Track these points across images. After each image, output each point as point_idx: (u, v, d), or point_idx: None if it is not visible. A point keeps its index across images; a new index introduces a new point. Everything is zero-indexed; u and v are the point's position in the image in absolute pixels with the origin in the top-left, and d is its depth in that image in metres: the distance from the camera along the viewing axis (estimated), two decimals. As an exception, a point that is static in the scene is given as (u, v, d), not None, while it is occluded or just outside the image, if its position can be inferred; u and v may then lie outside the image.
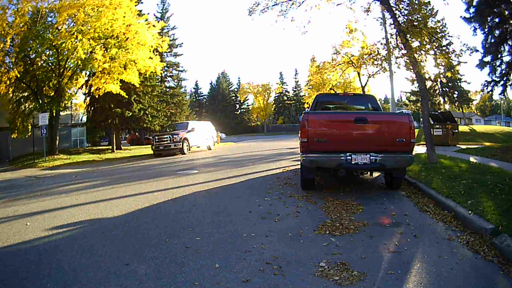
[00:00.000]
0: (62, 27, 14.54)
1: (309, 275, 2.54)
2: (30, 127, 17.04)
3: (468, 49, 8.07)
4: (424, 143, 8.33)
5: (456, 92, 33.54)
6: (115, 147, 20.46)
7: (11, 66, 14.73)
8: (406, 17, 7.93)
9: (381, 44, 11.68)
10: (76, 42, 14.18)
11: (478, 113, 65.80)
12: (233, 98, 63.39)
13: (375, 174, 6.59)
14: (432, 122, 14.16)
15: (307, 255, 2.92)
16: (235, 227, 3.79)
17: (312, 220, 3.94)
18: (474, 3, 13.06)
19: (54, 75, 16.61)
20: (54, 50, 15.33)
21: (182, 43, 47.11)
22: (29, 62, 15.55)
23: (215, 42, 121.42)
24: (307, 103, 24.72)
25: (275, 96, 62.51)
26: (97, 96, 16.87)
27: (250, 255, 2.95)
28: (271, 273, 2.58)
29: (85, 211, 4.87)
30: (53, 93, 16.86)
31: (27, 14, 14.19)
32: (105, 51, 15.28)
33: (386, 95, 62.36)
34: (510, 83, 14.11)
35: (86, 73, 19.25)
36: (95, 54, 14.67)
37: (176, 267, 2.75)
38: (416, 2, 7.81)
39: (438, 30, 8.12)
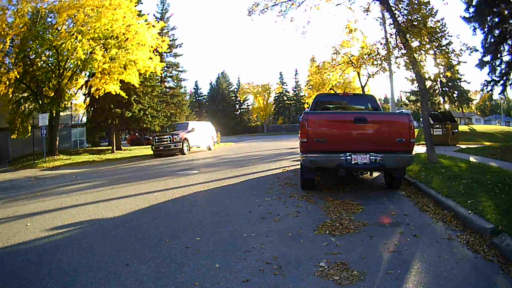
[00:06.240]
0: (61, 28, 14.54)
1: (309, 275, 2.54)
2: (30, 127, 17.04)
3: (467, 49, 8.08)
4: (424, 143, 8.33)
5: (456, 92, 33.51)
6: (115, 147, 20.46)
7: (11, 66, 14.73)
8: (405, 17, 7.93)
9: (381, 44, 11.67)
10: (76, 42, 14.19)
11: (478, 113, 65.78)
12: (233, 98, 63.29)
13: (375, 174, 6.59)
14: (432, 122, 14.17)
15: (307, 255, 2.92)
16: (235, 227, 3.79)
17: (312, 220, 3.94)
18: (474, 3, 13.07)
19: (54, 75, 16.62)
20: (54, 50, 15.33)
21: (182, 43, 47.22)
22: (28, 62, 15.54)
23: (215, 42, 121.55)
24: (307, 103, 24.71)
25: (275, 96, 62.40)
26: (97, 97, 16.87)
27: (250, 255, 2.96)
28: (271, 273, 2.58)
29: (85, 212, 4.87)
30: (53, 94, 16.85)
31: (26, 14, 14.18)
32: (105, 52, 15.29)
33: (386, 95, 62.27)
34: (510, 82, 14.10)
35: (86, 74, 19.25)
36: (95, 54, 14.68)
37: (176, 267, 2.75)
38: (416, 2, 7.81)
39: (437, 30, 8.13)
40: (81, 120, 28.12)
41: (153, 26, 16.96)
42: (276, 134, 46.40)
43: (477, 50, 10.79)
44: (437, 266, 2.64)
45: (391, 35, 8.79)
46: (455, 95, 33.71)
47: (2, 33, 13.43)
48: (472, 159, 8.26)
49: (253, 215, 4.27)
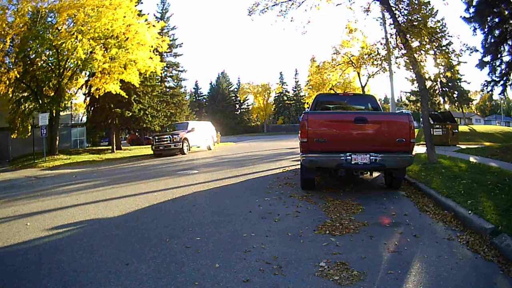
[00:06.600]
0: (62, 27, 14.54)
1: (309, 275, 2.54)
2: (30, 127, 17.04)
3: (468, 49, 8.09)
4: (424, 143, 8.33)
5: (456, 92, 33.55)
6: (115, 147, 20.46)
7: (11, 66, 14.72)
8: (406, 17, 7.94)
9: (381, 44, 11.68)
10: (76, 42, 14.18)
11: (478, 113, 65.80)
12: (233, 98, 63.30)
13: (375, 174, 6.59)
14: (432, 122, 14.17)
15: (307, 255, 2.92)
16: (235, 227, 3.79)
17: (312, 220, 3.94)
18: (474, 3, 13.06)
19: (54, 75, 16.61)
20: (54, 50, 15.33)
21: (182, 43, 47.17)
22: (29, 62, 15.54)
23: (215, 42, 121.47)
24: (307, 103, 24.70)
25: (275, 96, 62.43)
26: (97, 96, 16.87)
27: (250, 255, 2.96)
28: (271, 273, 2.59)
29: (85, 211, 4.87)
30: (53, 93, 16.85)
31: (27, 14, 14.17)
32: (105, 51, 15.28)
33: (386, 95, 62.38)
34: (510, 83, 14.10)
35: (86, 73, 19.25)
36: (95, 54, 14.67)
37: (176, 267, 2.75)
38: (416, 2, 7.82)
39: (438, 30, 8.13)
40: (81, 120, 28.15)
41: (153, 25, 16.96)
42: (276, 134, 46.41)
43: (477, 51, 10.79)
44: (437, 266, 2.64)
45: (391, 35, 8.80)
46: (455, 95, 33.74)
47: (2, 32, 13.42)
48: (472, 159, 8.26)
49: (253, 215, 4.27)
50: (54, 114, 16.52)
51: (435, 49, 8.25)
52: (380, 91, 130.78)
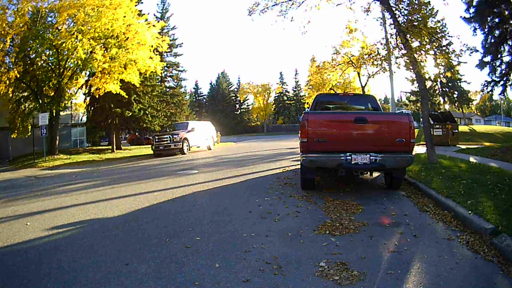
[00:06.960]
0: (62, 27, 14.56)
1: (309, 275, 2.54)
2: (30, 127, 17.04)
3: (468, 49, 8.08)
4: (424, 143, 8.33)
5: (456, 92, 33.60)
6: (115, 147, 20.46)
7: (11, 66, 14.73)
8: (406, 17, 7.94)
9: (381, 44, 11.70)
10: (76, 42, 14.19)
11: (478, 113, 65.81)
12: (233, 98, 63.30)
13: (375, 174, 6.59)
14: (432, 122, 14.17)
15: (307, 255, 2.92)
16: (235, 227, 3.79)
17: (312, 220, 3.94)
18: (474, 3, 13.05)
19: (54, 75, 16.61)
20: (54, 50, 15.33)
21: (182, 43, 47.12)
22: (29, 62, 15.54)
23: (215, 42, 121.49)
24: (307, 103, 24.70)
25: (275, 96, 62.44)
26: (97, 96, 16.89)
27: (250, 255, 2.96)
28: (271, 273, 2.59)
29: (85, 211, 4.87)
30: (53, 93, 16.86)
31: (27, 14, 14.19)
32: (105, 51, 15.29)
33: (386, 95, 62.41)
34: (510, 83, 14.08)
35: (86, 73, 19.25)
36: (95, 54, 14.68)
37: (176, 267, 2.75)
38: (416, 2, 7.82)
39: (438, 30, 8.13)
40: (81, 120, 28.12)
41: (153, 25, 16.98)
42: (276, 134, 46.41)
43: (477, 51, 10.81)
44: (437, 266, 2.64)
45: (391, 35, 8.81)
46: (455, 95, 33.80)
47: (3, 32, 13.43)
48: (472, 159, 8.26)
49: (253, 215, 4.27)
50: (54, 114, 16.52)
51: (435, 49, 8.25)
52: (380, 91, 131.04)
